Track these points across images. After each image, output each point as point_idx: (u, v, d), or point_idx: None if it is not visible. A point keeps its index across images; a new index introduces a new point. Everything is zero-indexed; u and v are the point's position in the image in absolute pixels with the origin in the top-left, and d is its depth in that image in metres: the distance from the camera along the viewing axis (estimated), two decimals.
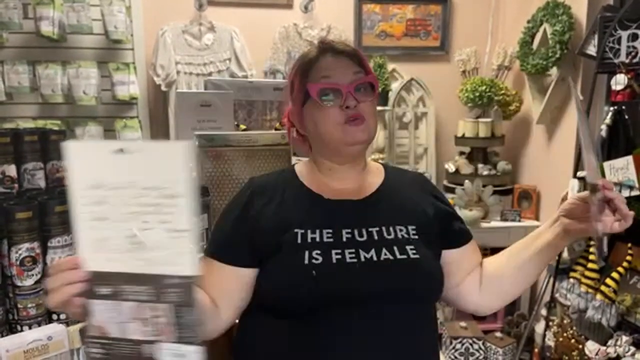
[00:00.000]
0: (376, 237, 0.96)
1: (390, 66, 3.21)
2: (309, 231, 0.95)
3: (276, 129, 1.98)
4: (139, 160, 0.68)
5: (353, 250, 0.93)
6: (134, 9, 2.87)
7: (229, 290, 0.97)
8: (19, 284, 1.13)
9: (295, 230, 0.95)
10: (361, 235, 0.96)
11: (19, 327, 1.14)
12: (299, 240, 0.94)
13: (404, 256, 0.94)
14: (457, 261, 1.06)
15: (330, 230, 0.96)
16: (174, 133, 2.91)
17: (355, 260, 0.92)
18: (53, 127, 2.51)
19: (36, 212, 1.13)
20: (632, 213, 0.93)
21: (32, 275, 1.13)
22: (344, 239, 0.95)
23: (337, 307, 0.90)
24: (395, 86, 3.22)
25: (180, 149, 0.68)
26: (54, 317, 1.19)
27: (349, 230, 0.96)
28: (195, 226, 0.69)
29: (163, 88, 2.96)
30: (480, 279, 1.08)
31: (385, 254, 0.93)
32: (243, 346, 1.03)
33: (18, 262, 1.12)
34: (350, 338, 0.90)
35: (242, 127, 2.00)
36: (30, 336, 1.03)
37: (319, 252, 0.92)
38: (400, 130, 3.25)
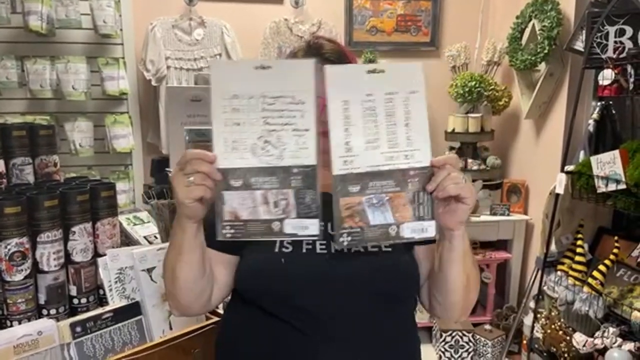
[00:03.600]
0: None
1: (381, 62, 3.22)
2: None
3: None
4: (272, 74, 0.84)
5: (325, 242, 0.95)
6: (123, 3, 2.84)
7: (216, 272, 0.99)
8: (8, 279, 1.13)
9: None
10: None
11: (8, 323, 1.14)
12: None
13: (375, 249, 0.96)
14: (420, 260, 1.02)
15: None
16: (165, 128, 2.91)
17: (325, 251, 0.95)
18: (42, 123, 2.50)
19: (25, 207, 1.13)
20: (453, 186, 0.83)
21: (22, 270, 1.13)
22: None
23: (307, 297, 0.92)
24: None
25: (307, 65, 0.84)
26: (44, 312, 1.19)
27: (323, 223, 0.97)
28: (314, 126, 0.84)
29: (153, 83, 2.94)
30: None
31: (357, 247, 0.94)
32: (224, 341, 1.05)
33: (7, 257, 1.11)
34: (319, 328, 0.92)
35: None
36: (20, 331, 1.03)
37: (290, 242, 0.95)
38: None
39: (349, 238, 0.85)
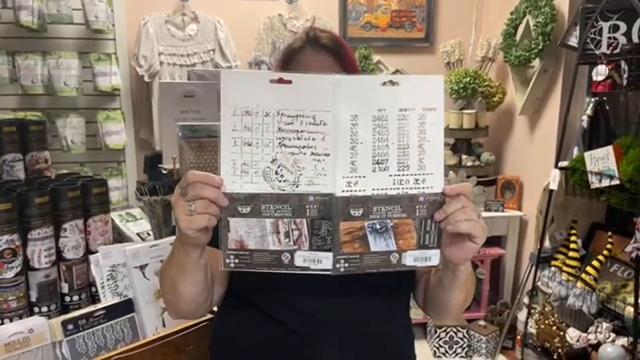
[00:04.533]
0: None
1: (375, 57, 3.21)
2: None
3: None
4: (291, 90, 0.76)
5: None
6: None
7: (214, 269, 0.94)
8: None
9: None
10: None
11: None
12: None
13: None
14: None
15: None
16: (158, 124, 2.89)
17: None
18: (33, 119, 2.47)
19: (15, 203, 1.12)
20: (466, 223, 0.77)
21: (12, 267, 1.12)
22: None
23: (305, 297, 0.91)
24: None
25: (331, 81, 0.76)
26: (35, 309, 1.18)
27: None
28: (335, 151, 0.76)
29: (146, 79, 2.92)
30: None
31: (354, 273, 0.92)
32: (218, 339, 1.03)
33: None
34: (316, 329, 0.91)
35: None
36: (11, 329, 1.02)
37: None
38: None
39: (347, 264, 0.79)
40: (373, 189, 0.78)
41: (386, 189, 0.78)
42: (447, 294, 0.92)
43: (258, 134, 0.76)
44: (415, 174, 0.78)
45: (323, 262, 0.78)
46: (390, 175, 0.78)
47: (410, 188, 0.78)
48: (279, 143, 0.76)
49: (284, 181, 0.77)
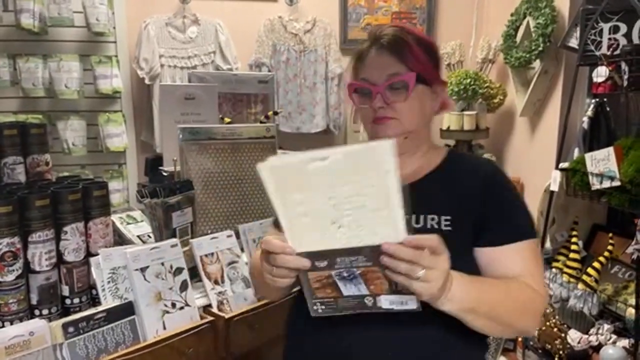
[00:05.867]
0: None
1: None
2: None
3: (261, 122, 1.97)
4: (329, 169, 0.75)
5: None
6: (116, 1, 2.82)
7: None
8: None
9: None
10: None
11: (0, 323, 1.13)
12: None
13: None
14: (489, 263, 0.98)
15: None
16: (158, 126, 2.89)
17: None
18: (33, 122, 2.48)
19: (16, 206, 1.12)
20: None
21: (13, 270, 1.12)
22: None
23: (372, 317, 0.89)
24: None
25: (366, 152, 0.74)
26: (36, 312, 1.18)
27: (408, 216, 0.90)
28: (389, 202, 0.75)
29: (147, 82, 2.92)
30: None
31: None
32: (292, 328, 1.08)
33: None
34: (364, 328, 0.92)
35: (227, 120, 1.99)
36: (11, 332, 1.02)
37: None
38: None
39: (323, 307, 0.86)
40: (332, 245, 0.79)
41: (345, 244, 0.78)
42: (473, 326, 0.91)
43: (312, 207, 0.78)
44: (374, 227, 0.78)
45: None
46: (345, 234, 0.78)
47: (370, 241, 0.78)
48: (334, 209, 0.77)
49: (349, 237, 0.78)
